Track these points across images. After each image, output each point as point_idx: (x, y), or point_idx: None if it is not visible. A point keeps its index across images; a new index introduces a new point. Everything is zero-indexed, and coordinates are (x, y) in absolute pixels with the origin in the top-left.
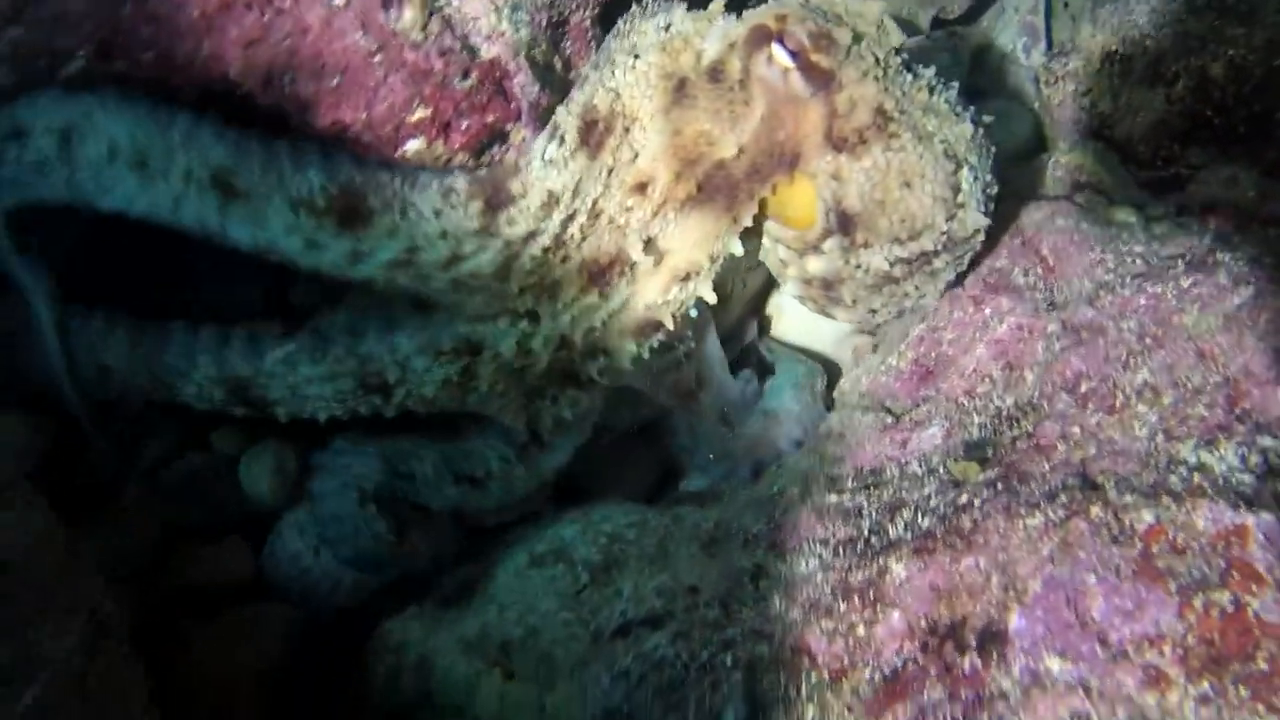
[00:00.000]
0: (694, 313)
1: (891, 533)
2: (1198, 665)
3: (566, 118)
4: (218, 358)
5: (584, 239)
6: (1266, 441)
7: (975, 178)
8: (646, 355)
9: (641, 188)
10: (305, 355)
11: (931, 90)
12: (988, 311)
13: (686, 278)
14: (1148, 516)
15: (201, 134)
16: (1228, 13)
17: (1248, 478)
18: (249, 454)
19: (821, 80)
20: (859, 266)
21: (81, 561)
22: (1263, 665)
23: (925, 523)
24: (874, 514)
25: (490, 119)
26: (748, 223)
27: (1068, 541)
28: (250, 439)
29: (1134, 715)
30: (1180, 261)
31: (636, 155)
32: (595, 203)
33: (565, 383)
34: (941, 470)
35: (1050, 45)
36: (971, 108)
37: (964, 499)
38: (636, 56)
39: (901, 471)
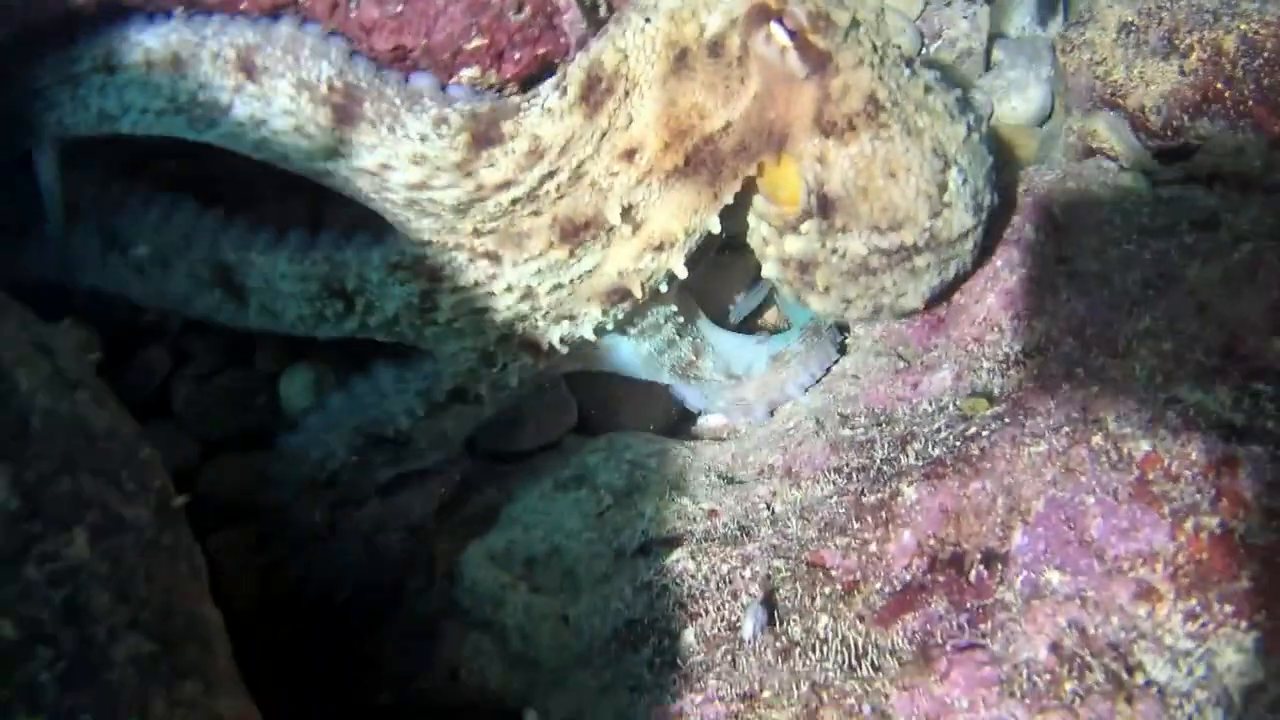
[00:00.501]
0: (663, 288)
1: (903, 461)
2: (1186, 582)
3: (575, 70)
4: (214, 238)
5: (561, 197)
6: (1259, 386)
7: (964, 181)
8: (610, 325)
9: (630, 154)
10: (287, 252)
11: (928, 89)
12: (999, 263)
13: (660, 247)
14: (1145, 445)
15: (233, 25)
16: None
17: (1239, 416)
18: (288, 370)
19: (817, 61)
20: (835, 251)
21: (149, 448)
22: (1246, 584)
23: (935, 452)
24: (886, 446)
25: (541, 51)
26: (728, 200)
27: (1069, 467)
28: (291, 359)
29: (1126, 625)
30: (1185, 220)
31: (631, 121)
32: (581, 164)
33: (523, 349)
34: (951, 408)
35: (1068, 17)
36: (971, 114)
37: (972, 430)
38: (648, 20)
39: (913, 410)
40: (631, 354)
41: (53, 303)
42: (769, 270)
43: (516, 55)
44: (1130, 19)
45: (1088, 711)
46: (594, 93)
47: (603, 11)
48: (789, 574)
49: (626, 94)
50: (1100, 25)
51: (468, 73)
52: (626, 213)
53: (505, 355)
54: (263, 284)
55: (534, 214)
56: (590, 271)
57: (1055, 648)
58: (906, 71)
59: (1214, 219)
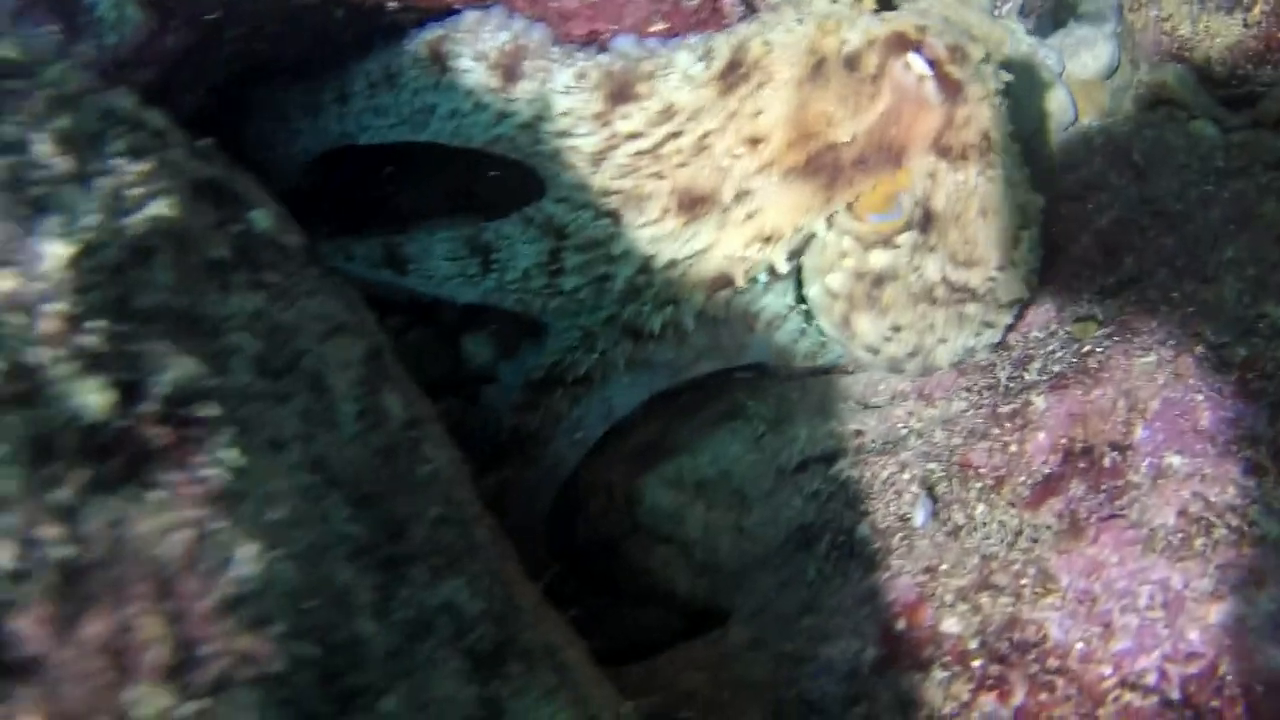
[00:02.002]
0: (761, 278)
1: (1026, 378)
2: None
3: (721, 46)
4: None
5: (682, 165)
6: None
7: (1031, 249)
8: (710, 312)
9: (754, 142)
10: (444, 224)
11: (1018, 156)
12: (1089, 207)
13: (768, 239)
14: (1242, 351)
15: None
16: None
17: None
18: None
19: (951, 91)
20: (917, 268)
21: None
22: None
23: (1056, 368)
24: (1008, 367)
25: (709, 33)
26: (839, 207)
27: (1178, 372)
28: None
29: (1240, 493)
30: (1258, 163)
31: (759, 112)
32: (706, 134)
33: (625, 334)
34: (1061, 333)
35: None
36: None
37: (1087, 349)
38: (799, 21)
39: (1025, 338)
40: (766, 348)
41: None
42: (832, 284)
43: (690, 38)
44: None
45: (1217, 557)
46: (733, 74)
47: None
48: (943, 474)
49: (760, 85)
50: None
51: None
52: (741, 197)
53: (606, 339)
54: (419, 251)
55: (656, 176)
56: (701, 252)
57: (1182, 514)
58: (1010, 128)
59: None
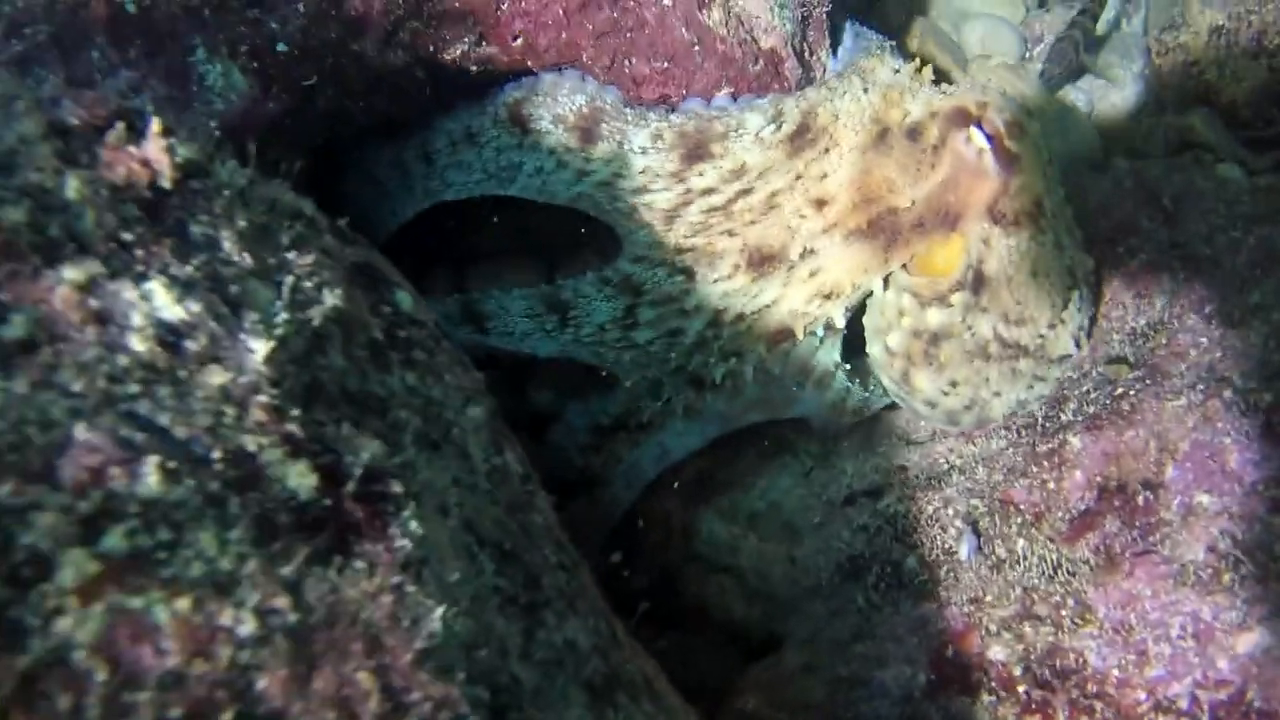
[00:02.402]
0: (819, 332)
1: (1063, 417)
2: None
3: (793, 110)
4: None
5: (753, 222)
6: None
7: (1080, 308)
8: (769, 365)
9: (820, 204)
10: (520, 288)
11: (1071, 221)
12: (1120, 250)
13: (829, 296)
14: (1268, 396)
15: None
16: None
17: None
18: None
19: (1008, 163)
20: (970, 327)
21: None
22: None
23: (1091, 410)
24: (1044, 407)
25: (771, 94)
26: (895, 267)
27: (1207, 416)
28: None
29: (1267, 535)
30: None
31: (825, 176)
32: (775, 194)
33: (688, 385)
34: (1094, 373)
35: (1149, 9)
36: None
37: (1120, 391)
38: (866, 91)
39: (1060, 379)
40: (815, 403)
41: None
42: (893, 343)
43: (758, 101)
44: (1221, 22)
45: (1245, 591)
46: (801, 138)
47: (808, 55)
48: (985, 510)
49: (826, 150)
50: (1193, 30)
51: None
52: (807, 255)
53: (673, 388)
54: (497, 308)
55: (728, 233)
56: (766, 307)
57: (1212, 550)
58: (1061, 192)
59: None
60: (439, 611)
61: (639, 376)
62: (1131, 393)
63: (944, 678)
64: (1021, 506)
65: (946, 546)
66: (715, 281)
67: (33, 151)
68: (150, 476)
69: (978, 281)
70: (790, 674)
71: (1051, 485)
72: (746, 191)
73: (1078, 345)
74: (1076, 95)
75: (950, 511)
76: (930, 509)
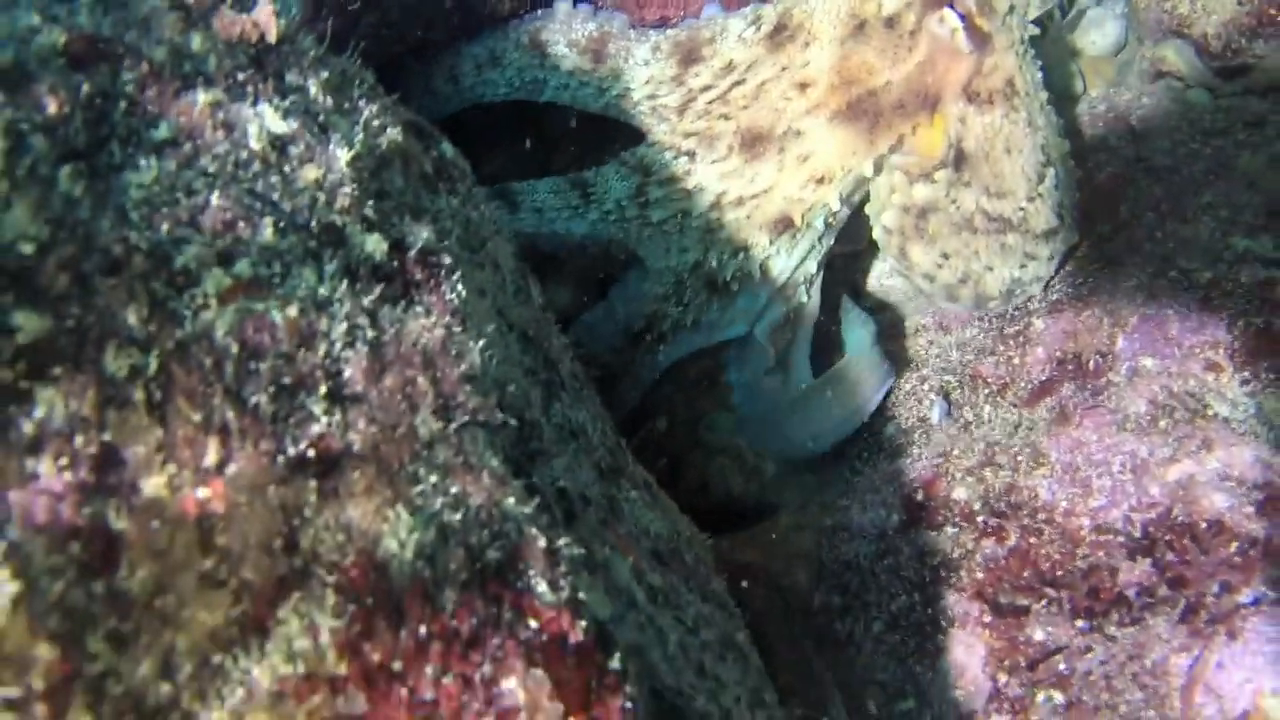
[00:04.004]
0: (819, 223)
1: (1029, 305)
2: (1240, 360)
3: (770, 13)
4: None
5: (745, 107)
6: None
7: (1056, 185)
8: (776, 255)
9: (803, 87)
10: (553, 178)
11: (1046, 102)
12: (1090, 165)
13: (821, 180)
14: (1208, 274)
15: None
16: None
17: (1278, 254)
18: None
19: (980, 41)
20: (954, 201)
21: None
22: None
23: (1054, 296)
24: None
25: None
26: (883, 150)
27: (1153, 293)
28: None
29: (1199, 386)
30: (1239, 122)
31: (808, 64)
32: (764, 83)
33: (704, 289)
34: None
35: None
36: (1068, 144)
37: (1080, 278)
38: None
39: None
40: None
41: None
42: (887, 220)
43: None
44: None
45: (1177, 432)
46: (780, 34)
47: None
48: (957, 383)
49: (806, 44)
50: None
51: None
52: (795, 136)
53: (692, 289)
54: (527, 189)
55: (724, 118)
56: (764, 192)
57: (1152, 402)
58: (1038, 72)
59: (1262, 119)
60: (479, 346)
61: (664, 267)
62: (1091, 279)
63: (914, 517)
64: (989, 379)
65: (921, 415)
66: (713, 162)
67: (162, 18)
68: (267, 230)
69: (959, 158)
70: (784, 532)
71: (1016, 360)
72: (740, 82)
73: (1060, 219)
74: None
75: (926, 386)
76: (909, 386)
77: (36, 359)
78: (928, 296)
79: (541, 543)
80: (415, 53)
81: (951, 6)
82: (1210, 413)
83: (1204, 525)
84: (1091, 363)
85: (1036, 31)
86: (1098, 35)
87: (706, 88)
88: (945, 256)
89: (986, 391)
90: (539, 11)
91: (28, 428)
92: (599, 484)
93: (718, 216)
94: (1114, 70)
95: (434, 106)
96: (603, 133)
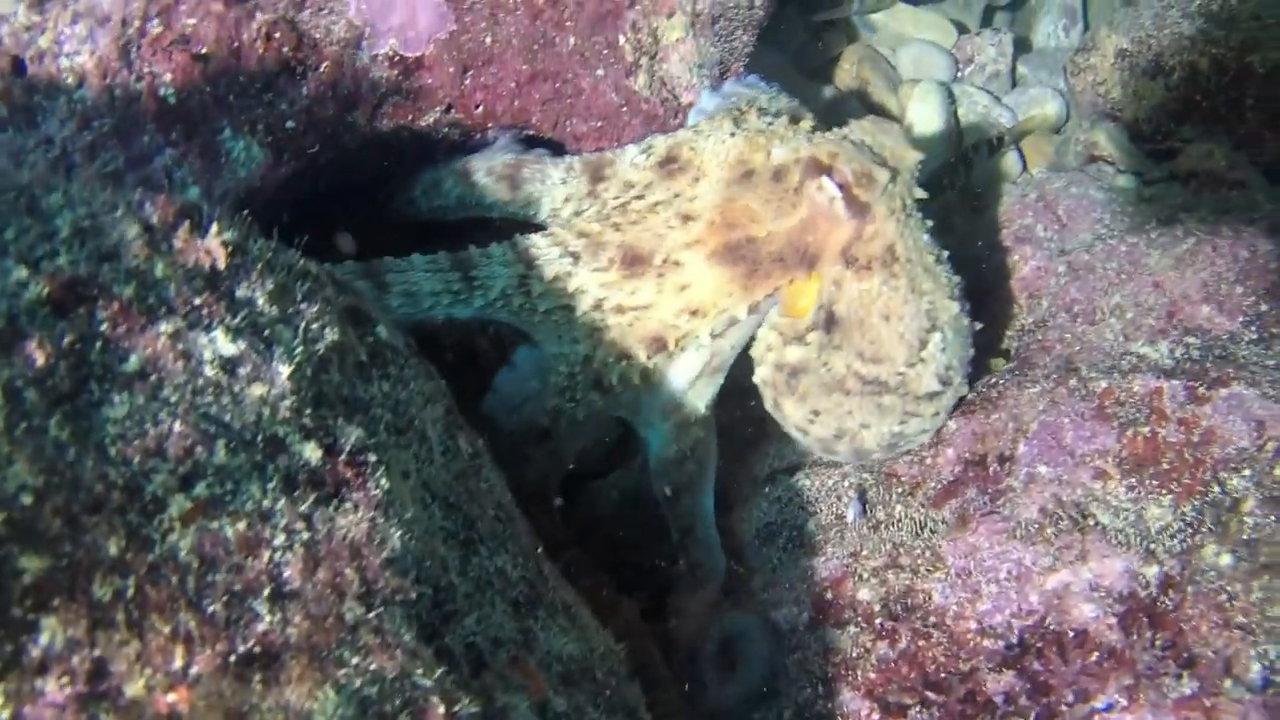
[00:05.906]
0: (693, 351)
1: None
2: (1127, 467)
3: (659, 144)
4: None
5: (635, 223)
6: (1190, 340)
7: (943, 349)
8: (652, 371)
9: (687, 219)
10: (424, 258)
11: (938, 260)
12: (1016, 257)
13: (695, 313)
14: (1103, 383)
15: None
16: (1212, 19)
17: (1170, 361)
18: None
19: (858, 210)
20: (825, 364)
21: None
22: (1165, 466)
23: (970, 396)
24: None
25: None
26: (757, 298)
27: (1054, 400)
28: None
29: (1086, 494)
30: (1154, 219)
31: (695, 197)
32: (657, 204)
33: (591, 388)
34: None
35: (1087, 27)
36: (967, 303)
37: (993, 381)
38: (732, 135)
39: None
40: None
41: None
42: (761, 374)
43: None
44: (1125, 46)
45: (1059, 541)
46: (669, 166)
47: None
48: (874, 481)
49: (696, 179)
50: (1101, 52)
51: None
52: (673, 266)
53: (582, 386)
54: (402, 265)
55: (615, 228)
56: (644, 308)
57: (1042, 510)
58: (926, 236)
59: (1173, 218)
60: (398, 535)
61: (558, 354)
62: (1001, 382)
63: (822, 615)
64: (903, 478)
65: (839, 512)
66: (595, 270)
67: (132, 245)
68: (220, 451)
69: (830, 321)
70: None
71: (929, 460)
72: (639, 197)
73: (943, 383)
74: (1001, 111)
75: (845, 484)
76: (830, 482)
77: (39, 595)
78: (800, 445)
79: (441, 710)
80: (375, 181)
81: (830, 175)
82: (1092, 522)
83: (1071, 634)
84: (992, 468)
85: (925, 195)
86: (1038, 113)
87: (615, 198)
88: (815, 414)
89: (899, 490)
90: (475, 147)
91: (35, 653)
92: (514, 621)
93: (602, 318)
94: (1052, 149)
95: (402, 214)
96: None
